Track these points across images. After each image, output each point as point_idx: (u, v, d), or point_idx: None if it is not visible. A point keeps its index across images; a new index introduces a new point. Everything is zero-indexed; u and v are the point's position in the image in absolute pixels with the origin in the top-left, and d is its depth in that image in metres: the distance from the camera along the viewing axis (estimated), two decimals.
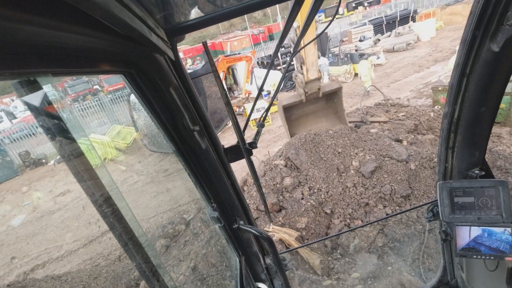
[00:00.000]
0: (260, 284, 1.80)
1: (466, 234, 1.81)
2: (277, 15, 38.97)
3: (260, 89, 1.59)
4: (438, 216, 1.94)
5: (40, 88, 0.55)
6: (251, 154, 1.45)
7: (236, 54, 18.32)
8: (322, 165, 6.09)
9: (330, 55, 18.78)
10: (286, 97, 8.62)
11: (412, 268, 4.10)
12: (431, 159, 5.49)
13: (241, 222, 1.55)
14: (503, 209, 1.73)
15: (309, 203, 5.36)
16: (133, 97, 1.24)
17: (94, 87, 29.27)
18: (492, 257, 1.77)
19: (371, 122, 9.03)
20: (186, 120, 1.13)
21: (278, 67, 19.07)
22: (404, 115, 8.91)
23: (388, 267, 4.23)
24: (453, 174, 1.93)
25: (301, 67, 7.33)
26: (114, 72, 0.84)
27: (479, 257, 1.81)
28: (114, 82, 26.43)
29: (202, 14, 1.05)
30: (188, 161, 1.25)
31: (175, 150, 1.20)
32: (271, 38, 34.88)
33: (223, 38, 33.59)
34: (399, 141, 6.89)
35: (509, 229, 1.71)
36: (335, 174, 5.87)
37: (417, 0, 31.29)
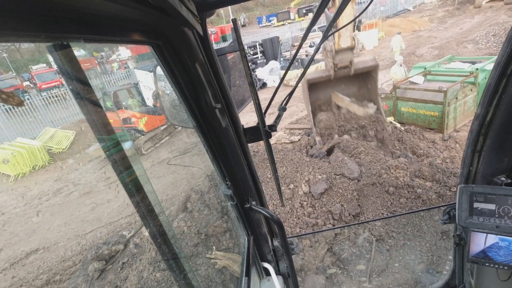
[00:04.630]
0: (265, 264, 1.85)
1: (481, 241, 1.77)
2: (229, 16, 38.74)
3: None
4: (454, 219, 1.89)
5: (72, 53, 0.56)
6: (270, 136, 1.47)
7: None
8: (270, 184, 5.91)
9: (281, 59, 19.07)
10: (312, 71, 7.79)
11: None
12: (380, 175, 5.50)
13: (253, 203, 1.58)
14: None
15: None
16: (159, 69, 1.25)
17: (24, 83, 25.94)
18: (506, 267, 1.72)
19: None
20: (208, 97, 1.13)
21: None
22: None
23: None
24: (476, 179, 1.86)
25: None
26: (143, 42, 0.83)
27: (491, 265, 1.76)
28: (50, 79, 23.71)
29: None
30: (207, 138, 1.27)
31: (195, 126, 1.21)
32: (224, 39, 34.51)
33: None
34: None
35: None
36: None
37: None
